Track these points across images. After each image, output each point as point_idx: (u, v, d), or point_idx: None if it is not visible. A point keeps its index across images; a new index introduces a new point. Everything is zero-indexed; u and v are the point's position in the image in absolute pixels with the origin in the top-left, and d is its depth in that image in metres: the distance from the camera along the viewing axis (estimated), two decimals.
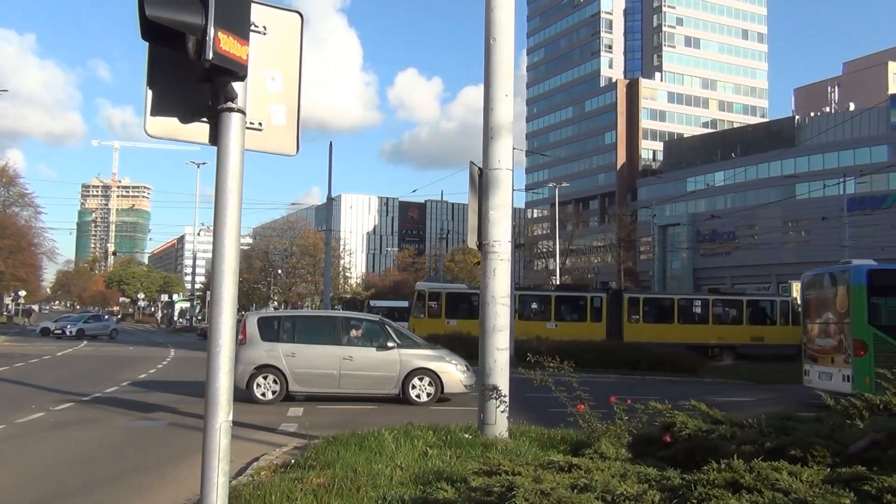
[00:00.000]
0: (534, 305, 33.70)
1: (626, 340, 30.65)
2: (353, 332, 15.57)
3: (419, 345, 15.90)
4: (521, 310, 32.29)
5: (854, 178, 58.57)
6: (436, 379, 14.89)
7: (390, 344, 15.03)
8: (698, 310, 34.96)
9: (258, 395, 14.37)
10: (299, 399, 14.69)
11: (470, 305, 32.50)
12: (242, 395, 13.61)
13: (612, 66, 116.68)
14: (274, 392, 14.44)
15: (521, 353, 17.04)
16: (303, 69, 4.19)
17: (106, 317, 61.38)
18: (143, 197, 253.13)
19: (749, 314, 34.39)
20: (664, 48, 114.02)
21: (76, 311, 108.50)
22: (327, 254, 45.01)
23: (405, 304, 45.70)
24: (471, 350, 24.20)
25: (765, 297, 41.46)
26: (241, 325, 14.69)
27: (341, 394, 14.76)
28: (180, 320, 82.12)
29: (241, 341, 14.34)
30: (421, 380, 14.88)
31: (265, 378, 14.45)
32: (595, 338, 29.50)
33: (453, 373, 15.10)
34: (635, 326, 32.64)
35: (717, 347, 32.77)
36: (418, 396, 14.77)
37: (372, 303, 63.08)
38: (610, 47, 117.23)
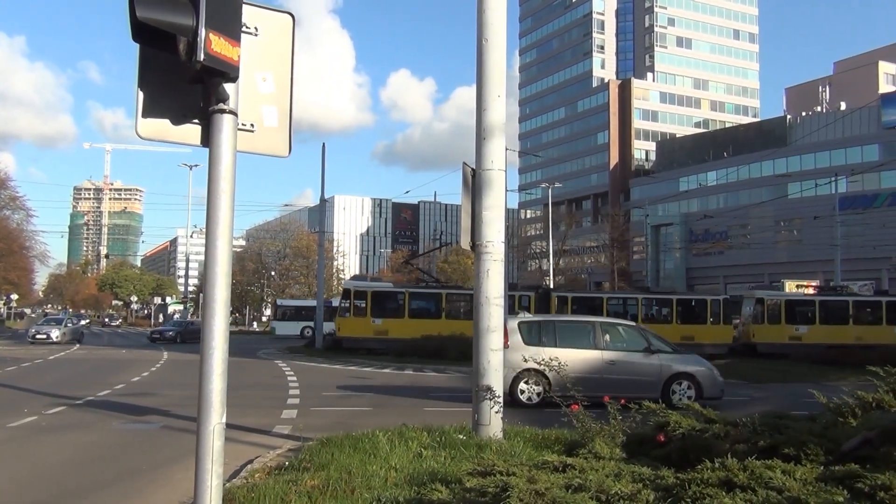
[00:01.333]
0: (461, 304, 32.96)
1: None
2: (611, 337, 15.59)
3: (674, 350, 15.95)
4: (447, 308, 32.22)
5: (845, 178, 58.87)
6: (694, 383, 14.91)
7: (651, 349, 15.09)
8: (628, 308, 34.49)
9: (523, 399, 14.37)
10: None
11: (396, 304, 32.23)
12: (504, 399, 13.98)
13: (604, 66, 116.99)
14: (538, 395, 14.40)
15: None
16: (295, 70, 4.19)
17: (77, 321, 61.01)
18: (136, 199, 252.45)
19: (680, 312, 33.99)
20: (656, 48, 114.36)
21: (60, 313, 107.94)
22: (320, 255, 44.89)
23: (313, 303, 44.86)
24: (463, 350, 24.31)
25: (697, 295, 41.08)
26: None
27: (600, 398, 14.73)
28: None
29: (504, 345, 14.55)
30: (680, 384, 14.88)
31: (527, 382, 14.52)
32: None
33: (713, 377, 15.17)
34: None
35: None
36: (679, 401, 14.59)
37: (279, 302, 62.54)
38: (602, 48, 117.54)
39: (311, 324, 42.82)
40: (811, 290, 50.39)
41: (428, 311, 32.44)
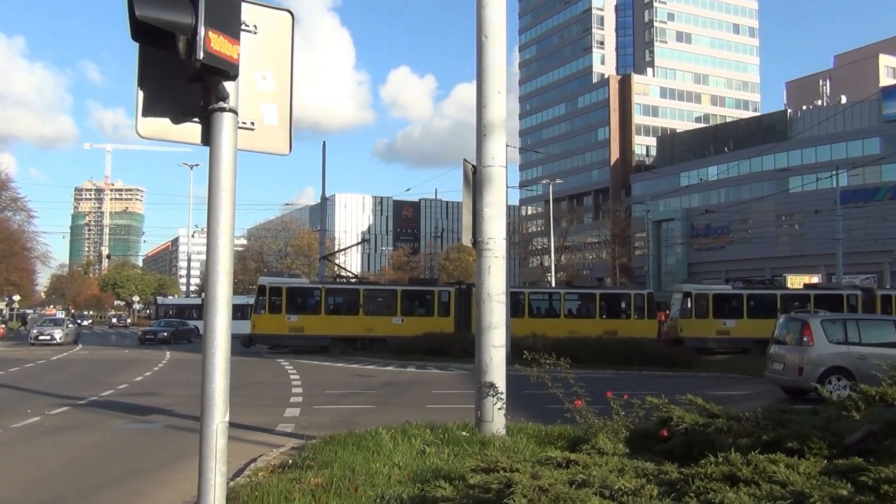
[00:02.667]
0: (380, 300, 32.99)
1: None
2: None
3: None
4: (365, 304, 32.08)
5: (847, 171, 58.80)
6: None
7: None
8: (553, 304, 34.26)
9: (833, 397, 14.27)
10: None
11: (313, 300, 31.94)
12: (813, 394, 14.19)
13: (604, 62, 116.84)
14: (844, 388, 14.14)
15: (517, 351, 17.11)
16: (294, 68, 4.19)
17: (76, 321, 61.08)
18: (137, 199, 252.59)
19: (603, 307, 33.82)
20: (656, 43, 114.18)
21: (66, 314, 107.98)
22: (322, 254, 44.94)
23: (198, 301, 44.51)
24: (465, 347, 24.27)
25: (621, 289, 40.62)
26: (802, 328, 15.60)
27: None
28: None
29: (806, 343, 15.04)
30: None
31: (838, 378, 14.63)
32: (445, 331, 29.81)
33: None
34: None
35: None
36: None
37: (159, 299, 61.60)
38: (602, 43, 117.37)
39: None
40: (815, 281, 50.35)
41: (346, 307, 32.15)
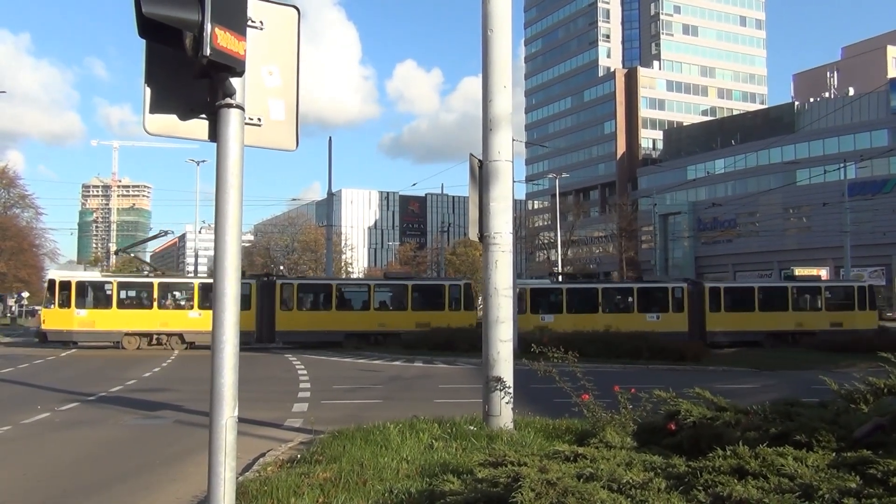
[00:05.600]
0: (177, 293, 32.32)
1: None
2: None
3: None
4: (159, 298, 31.29)
5: (854, 164, 58.53)
6: None
7: None
8: (372, 297, 33.25)
9: None
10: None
11: (103, 295, 31.03)
12: None
13: (609, 55, 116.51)
14: None
15: (525, 345, 17.11)
16: (300, 63, 4.19)
17: None
18: (144, 196, 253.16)
19: (416, 299, 33.19)
20: (662, 36, 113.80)
21: None
22: (329, 249, 45.08)
23: None
24: (472, 342, 24.30)
25: (440, 280, 39.96)
26: None
27: None
28: None
29: None
30: None
31: None
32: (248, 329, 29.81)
33: None
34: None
35: (380, 335, 32.15)
36: None
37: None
38: (608, 37, 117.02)
39: None
40: (823, 274, 50.09)
41: (139, 301, 31.37)
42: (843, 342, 27.76)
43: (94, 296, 31.01)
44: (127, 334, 30.42)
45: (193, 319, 30.39)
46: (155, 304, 30.86)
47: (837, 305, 34.07)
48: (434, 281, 39.07)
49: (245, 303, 30.48)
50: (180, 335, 30.58)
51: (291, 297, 32.15)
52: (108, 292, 30.98)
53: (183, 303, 31.67)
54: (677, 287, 33.53)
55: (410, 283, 34.43)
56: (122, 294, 31.06)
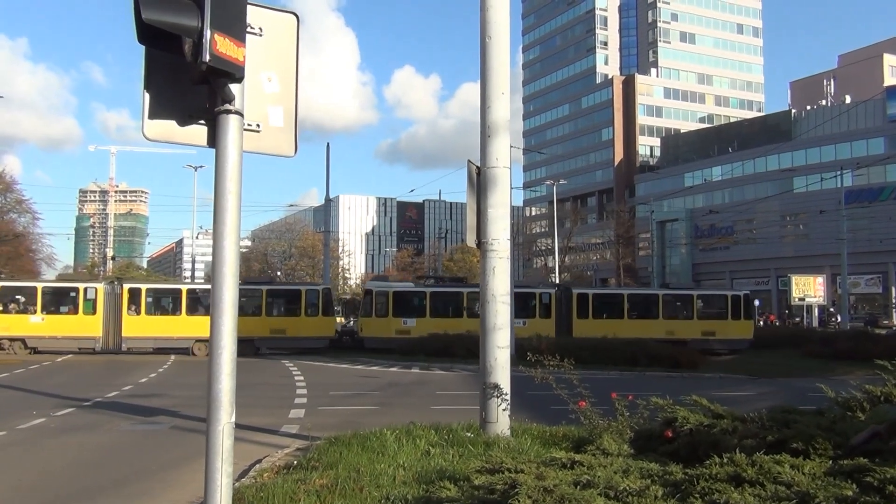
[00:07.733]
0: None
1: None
2: None
3: None
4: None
5: (851, 171, 58.67)
6: None
7: None
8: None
9: None
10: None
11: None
12: None
13: (607, 62, 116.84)
14: None
15: (521, 352, 17.09)
16: (299, 70, 4.20)
17: None
18: (141, 201, 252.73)
19: (271, 303, 32.15)
20: (659, 44, 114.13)
21: None
22: (326, 255, 45.06)
23: None
24: (469, 347, 24.24)
25: (296, 285, 39.90)
26: None
27: None
28: None
29: None
30: None
31: None
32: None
33: None
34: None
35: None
36: None
37: None
38: (605, 44, 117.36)
39: None
40: (820, 281, 49.98)
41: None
42: (845, 350, 27.36)
43: None
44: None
45: (36, 324, 29.58)
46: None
47: (711, 314, 33.96)
48: (291, 286, 38.43)
49: (89, 307, 30.12)
50: (22, 340, 29.82)
51: (139, 301, 30.81)
52: None
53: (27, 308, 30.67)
54: (545, 292, 33.16)
55: (266, 287, 33.11)
56: None
